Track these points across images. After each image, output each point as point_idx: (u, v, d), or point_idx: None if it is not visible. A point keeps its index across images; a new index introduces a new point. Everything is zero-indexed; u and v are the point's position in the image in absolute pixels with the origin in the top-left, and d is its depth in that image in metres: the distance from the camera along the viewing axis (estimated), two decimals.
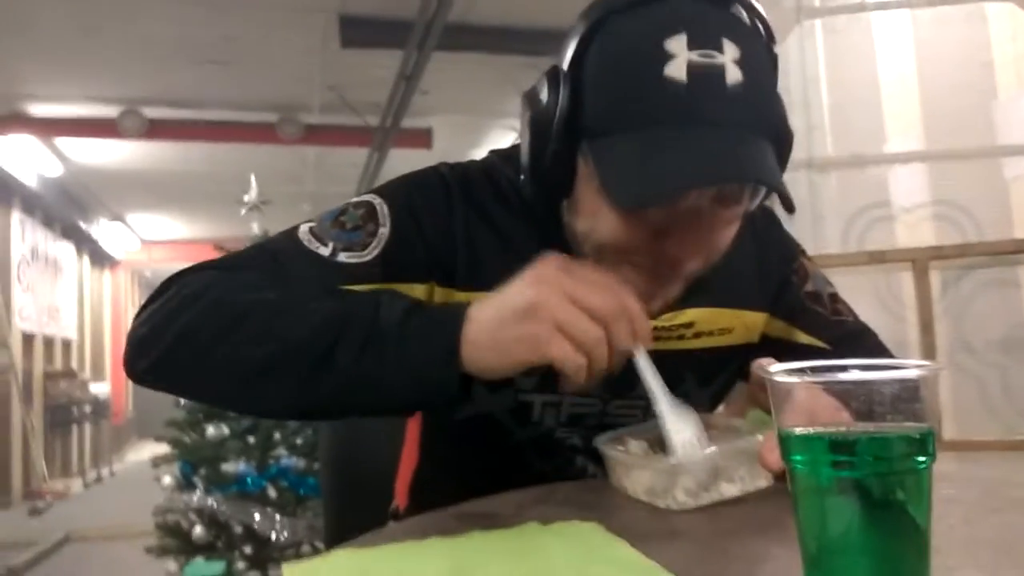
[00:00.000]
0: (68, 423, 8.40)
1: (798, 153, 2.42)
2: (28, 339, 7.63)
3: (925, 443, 0.42)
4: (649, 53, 0.67)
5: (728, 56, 0.67)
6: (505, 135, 6.72)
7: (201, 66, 5.32)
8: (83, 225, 9.20)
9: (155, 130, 6.20)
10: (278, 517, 3.06)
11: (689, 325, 0.87)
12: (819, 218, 2.59)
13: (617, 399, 0.88)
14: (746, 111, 0.68)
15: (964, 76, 2.74)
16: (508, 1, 4.53)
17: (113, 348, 11.02)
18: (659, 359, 0.71)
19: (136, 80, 5.59)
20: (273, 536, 3.03)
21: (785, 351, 0.90)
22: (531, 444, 0.90)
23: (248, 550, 3.12)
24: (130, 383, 11.32)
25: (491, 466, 0.90)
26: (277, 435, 3.26)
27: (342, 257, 0.78)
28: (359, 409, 0.72)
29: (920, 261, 2.31)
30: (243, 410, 0.82)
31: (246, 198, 4.03)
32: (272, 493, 3.19)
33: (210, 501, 3.07)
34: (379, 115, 5.85)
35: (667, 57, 0.67)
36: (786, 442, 0.44)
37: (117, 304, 11.61)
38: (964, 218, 2.59)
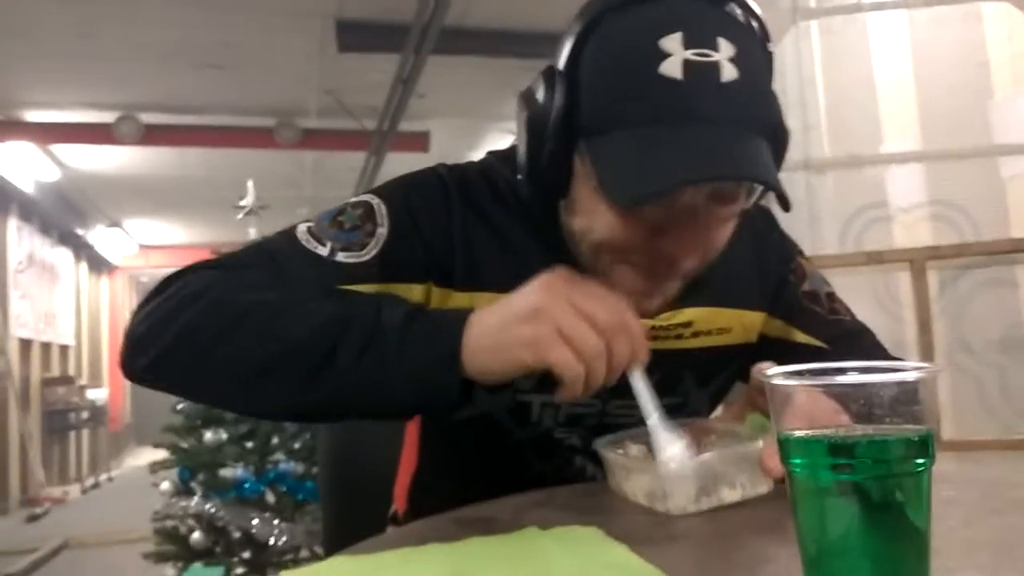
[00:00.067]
0: (66, 429, 8.38)
1: (795, 154, 2.43)
2: (25, 345, 7.61)
3: (924, 445, 0.42)
4: (645, 51, 0.68)
5: (723, 54, 0.67)
6: (502, 138, 6.71)
7: (198, 71, 5.32)
8: (80, 231, 9.19)
9: (152, 135, 6.18)
10: (276, 522, 3.05)
11: (687, 324, 0.87)
12: (816, 219, 2.59)
13: (616, 399, 0.88)
14: (742, 108, 0.68)
15: (960, 76, 2.75)
16: (504, 4, 4.53)
17: (111, 354, 10.98)
18: (658, 358, 0.71)
19: (133, 85, 5.57)
20: (271, 541, 3.02)
21: (783, 350, 0.90)
22: (530, 444, 0.89)
23: (247, 555, 3.11)
24: (128, 389, 11.43)
25: (490, 467, 0.90)
26: (275, 440, 3.25)
27: (340, 257, 0.78)
28: (358, 411, 0.72)
29: (917, 261, 2.32)
30: (242, 410, 0.82)
31: (243, 203, 4.02)
32: (270, 498, 3.18)
33: (208, 506, 3.06)
34: (376, 119, 5.84)
35: (663, 55, 0.67)
36: (785, 445, 0.44)
37: (115, 310, 11.58)
38: (961, 218, 2.60)
